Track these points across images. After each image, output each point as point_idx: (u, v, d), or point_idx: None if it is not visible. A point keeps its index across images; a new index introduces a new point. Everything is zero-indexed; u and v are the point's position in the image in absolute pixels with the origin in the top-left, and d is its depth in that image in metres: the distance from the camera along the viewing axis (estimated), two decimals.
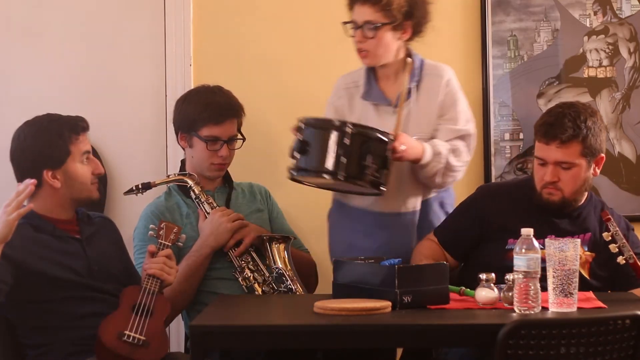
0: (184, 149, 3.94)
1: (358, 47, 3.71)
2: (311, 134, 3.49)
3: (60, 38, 4.34)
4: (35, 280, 3.36)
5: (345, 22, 3.73)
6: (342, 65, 4.25)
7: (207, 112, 3.83)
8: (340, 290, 3.28)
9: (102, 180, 4.03)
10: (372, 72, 3.80)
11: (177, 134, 3.92)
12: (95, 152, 3.71)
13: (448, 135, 3.72)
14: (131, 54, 4.34)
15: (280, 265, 3.73)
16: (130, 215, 4.31)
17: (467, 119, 3.78)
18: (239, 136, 3.91)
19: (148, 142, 4.35)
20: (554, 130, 3.46)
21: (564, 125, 3.45)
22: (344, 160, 3.43)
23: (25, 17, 4.33)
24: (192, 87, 4.28)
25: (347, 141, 3.43)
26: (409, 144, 3.55)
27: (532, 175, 3.62)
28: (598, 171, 3.58)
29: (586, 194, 3.64)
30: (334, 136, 3.44)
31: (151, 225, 3.56)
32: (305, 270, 3.88)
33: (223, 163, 3.88)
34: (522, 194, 3.65)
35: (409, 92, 3.72)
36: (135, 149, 4.33)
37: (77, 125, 3.50)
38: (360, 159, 3.46)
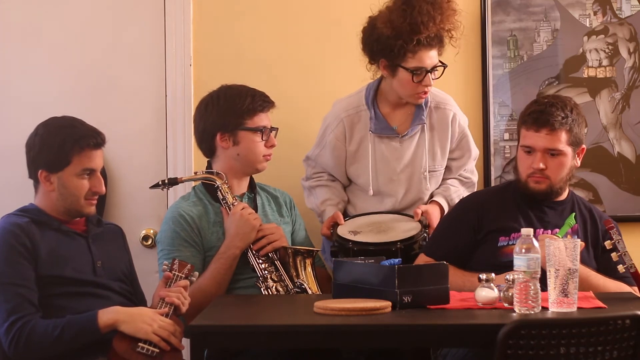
0: (214, 151, 3.82)
1: (424, 90, 3.83)
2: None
3: (60, 39, 4.33)
4: (41, 276, 3.36)
5: (414, 70, 3.78)
6: (341, 65, 4.27)
7: (255, 102, 3.77)
8: (340, 290, 3.28)
9: None
10: (374, 103, 3.93)
11: (213, 137, 3.78)
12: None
13: (463, 167, 4.02)
14: (131, 54, 4.33)
15: (304, 279, 3.69)
16: (129, 216, 4.31)
17: (474, 145, 4.06)
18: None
19: (148, 142, 4.34)
20: (544, 117, 3.56)
21: (553, 113, 3.56)
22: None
23: (25, 18, 4.32)
24: (192, 88, 4.30)
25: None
26: (434, 218, 3.87)
27: (516, 166, 3.68)
28: (579, 162, 3.67)
29: (568, 189, 3.71)
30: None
31: (164, 262, 3.48)
32: (325, 285, 3.79)
33: (271, 153, 3.83)
34: (506, 196, 3.72)
35: (423, 128, 3.93)
36: (135, 149, 4.33)
37: (89, 140, 3.45)
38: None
